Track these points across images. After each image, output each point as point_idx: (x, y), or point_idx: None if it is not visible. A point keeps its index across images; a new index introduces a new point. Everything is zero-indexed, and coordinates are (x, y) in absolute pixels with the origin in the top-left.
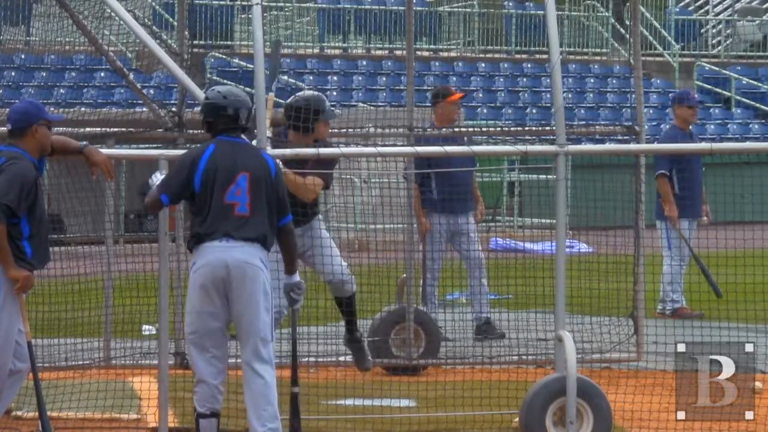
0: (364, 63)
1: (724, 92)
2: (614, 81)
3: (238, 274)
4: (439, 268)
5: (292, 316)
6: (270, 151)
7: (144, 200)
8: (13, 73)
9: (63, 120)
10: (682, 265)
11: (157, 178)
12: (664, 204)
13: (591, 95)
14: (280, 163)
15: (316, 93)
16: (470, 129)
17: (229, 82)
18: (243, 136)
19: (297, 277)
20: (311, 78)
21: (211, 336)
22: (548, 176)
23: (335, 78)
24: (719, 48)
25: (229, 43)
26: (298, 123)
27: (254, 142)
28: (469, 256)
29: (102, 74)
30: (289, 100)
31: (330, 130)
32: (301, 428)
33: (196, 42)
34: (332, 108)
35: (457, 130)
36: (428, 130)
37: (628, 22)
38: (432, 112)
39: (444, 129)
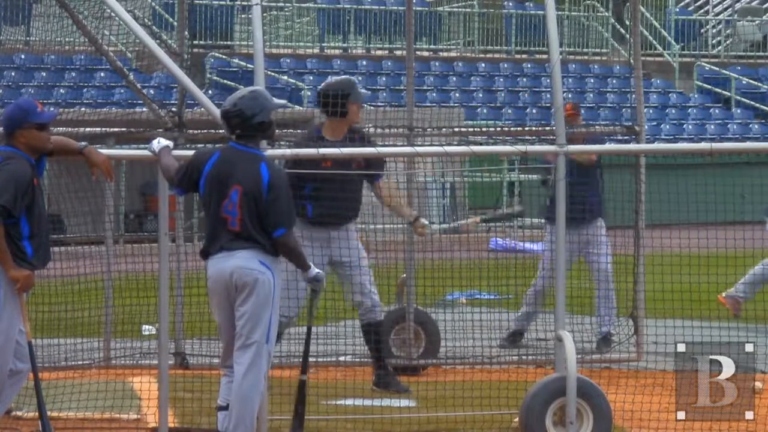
0: (364, 63)
1: (724, 92)
2: (614, 81)
3: (239, 280)
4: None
5: (310, 307)
6: (269, 151)
7: (162, 172)
8: (13, 73)
9: (54, 117)
10: None
11: (158, 143)
12: None
13: (591, 95)
14: (281, 173)
15: (346, 77)
16: (470, 129)
17: (229, 82)
18: (249, 144)
19: (314, 270)
20: (311, 78)
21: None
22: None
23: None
24: (719, 48)
25: (229, 43)
26: (331, 108)
27: None
28: (597, 268)
29: (102, 74)
30: (320, 87)
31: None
32: (305, 415)
33: (196, 42)
34: (362, 90)
35: (458, 130)
36: (428, 130)
37: (628, 22)
38: None
39: (444, 129)
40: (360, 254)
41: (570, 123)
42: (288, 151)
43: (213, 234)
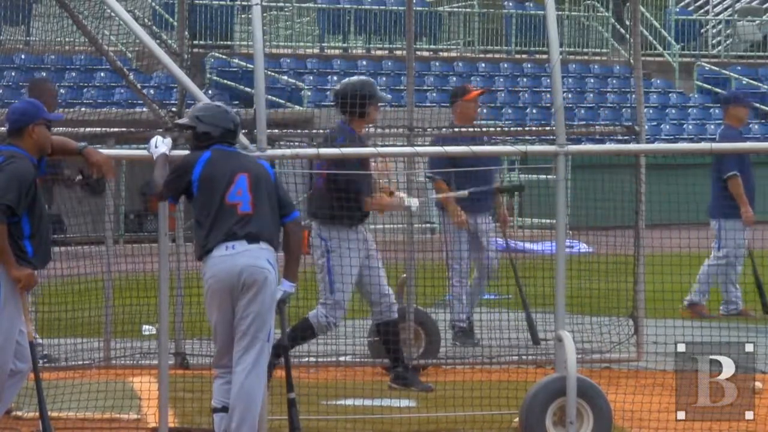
0: (364, 63)
1: (724, 92)
2: (614, 81)
3: (248, 279)
4: (468, 267)
5: (282, 321)
6: (269, 151)
7: (151, 190)
8: (13, 73)
9: (62, 119)
10: (730, 267)
11: (157, 143)
12: (740, 204)
13: (591, 95)
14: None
15: (365, 78)
16: (470, 129)
17: (229, 82)
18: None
19: (294, 286)
20: (311, 78)
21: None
22: (548, 176)
23: (335, 78)
24: (719, 48)
25: (229, 43)
26: (354, 108)
27: (253, 146)
28: (480, 258)
29: (102, 74)
30: (339, 87)
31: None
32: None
33: (196, 42)
34: (382, 93)
35: (457, 130)
36: (428, 130)
37: (628, 22)
38: (452, 112)
39: (444, 129)
40: (377, 253)
41: (469, 110)
42: (288, 151)
43: (216, 224)
